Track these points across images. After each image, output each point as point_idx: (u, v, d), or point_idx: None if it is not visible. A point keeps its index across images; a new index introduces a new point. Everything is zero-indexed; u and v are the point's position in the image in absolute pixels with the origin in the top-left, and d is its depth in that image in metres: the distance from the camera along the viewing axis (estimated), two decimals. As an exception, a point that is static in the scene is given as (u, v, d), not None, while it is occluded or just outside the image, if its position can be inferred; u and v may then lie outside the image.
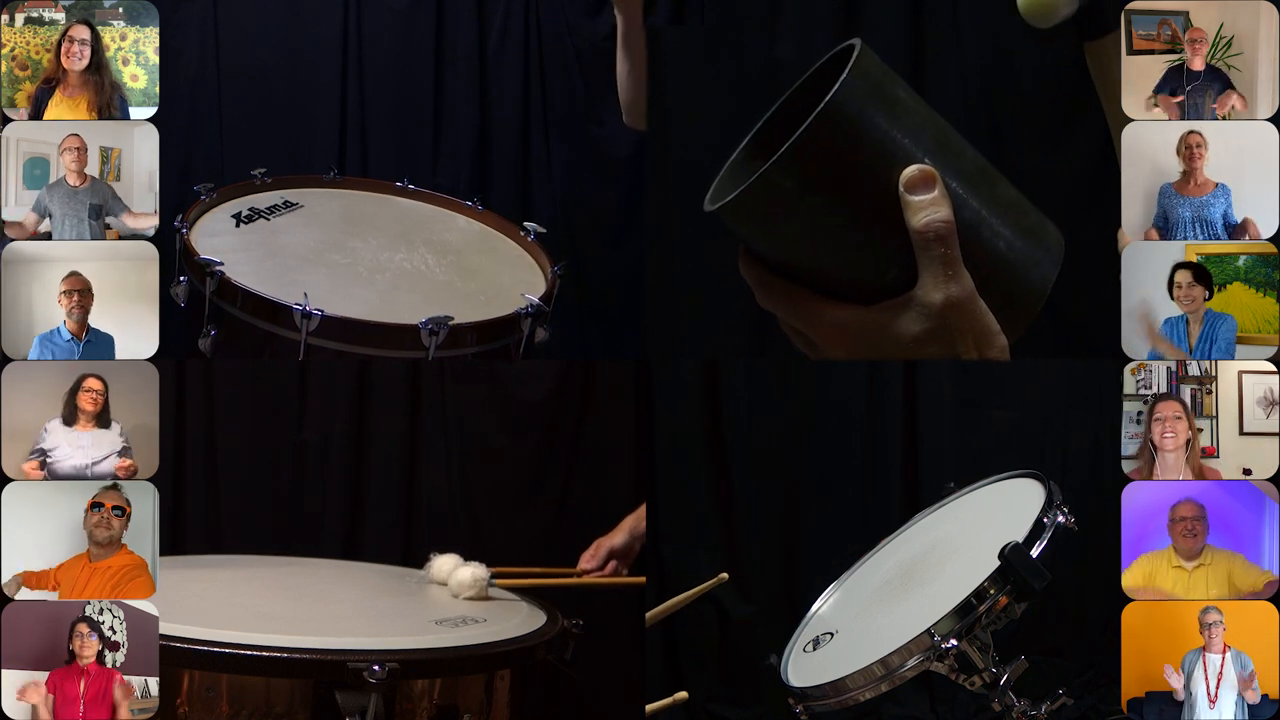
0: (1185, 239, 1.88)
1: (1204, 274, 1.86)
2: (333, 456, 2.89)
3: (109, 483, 1.88)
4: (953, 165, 0.97)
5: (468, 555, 2.87)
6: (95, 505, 1.86)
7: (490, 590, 2.15)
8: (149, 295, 1.97)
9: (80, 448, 1.91)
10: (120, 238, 2.00)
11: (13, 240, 1.97)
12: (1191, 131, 1.86)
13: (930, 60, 3.15)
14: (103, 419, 1.92)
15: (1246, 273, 1.88)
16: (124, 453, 1.92)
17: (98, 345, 1.94)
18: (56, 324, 1.94)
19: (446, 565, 2.22)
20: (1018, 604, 1.63)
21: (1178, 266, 1.87)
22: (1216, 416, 1.95)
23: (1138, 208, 1.88)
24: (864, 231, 0.95)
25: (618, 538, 2.42)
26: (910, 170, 0.93)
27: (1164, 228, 1.89)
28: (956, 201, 0.95)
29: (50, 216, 1.98)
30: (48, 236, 1.98)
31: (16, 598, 1.85)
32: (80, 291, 1.93)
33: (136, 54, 2.03)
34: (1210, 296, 1.87)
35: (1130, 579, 1.95)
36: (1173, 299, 1.86)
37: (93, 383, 1.91)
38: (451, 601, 2.10)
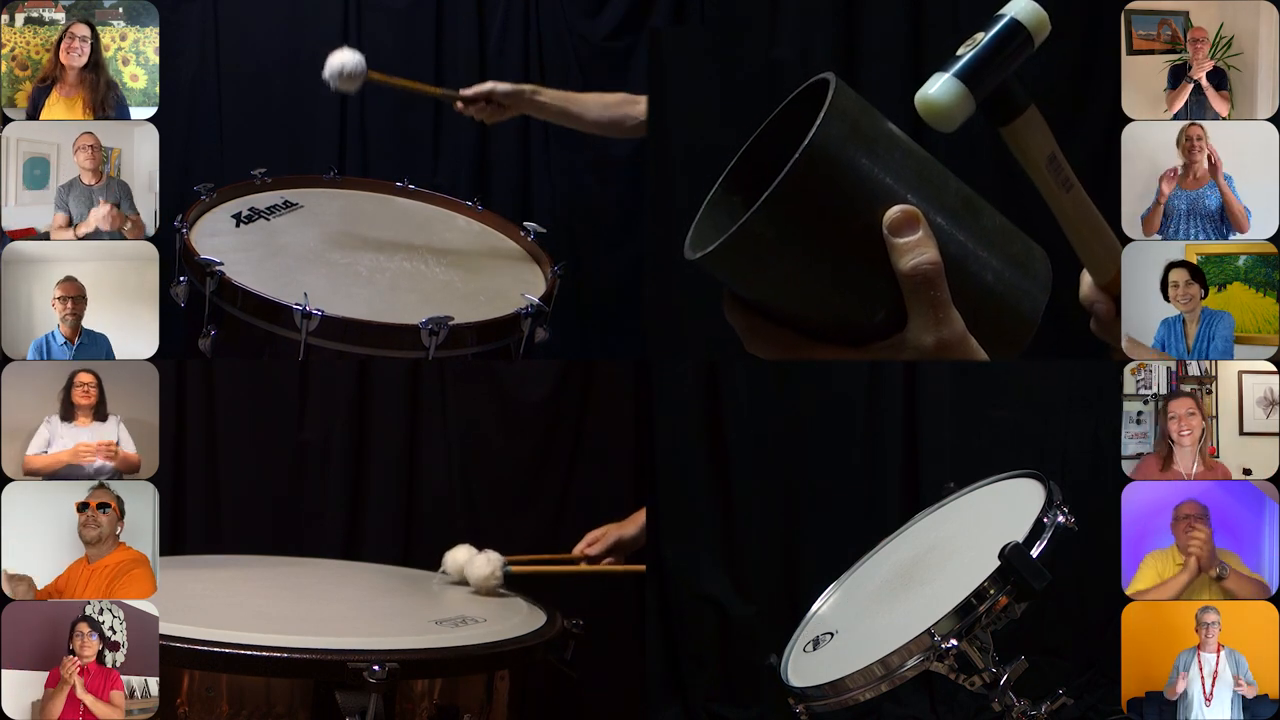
0: (1180, 232, 1.87)
1: (1199, 272, 1.85)
2: (333, 456, 2.89)
3: (96, 482, 1.88)
4: (936, 200, 0.94)
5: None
6: (81, 506, 1.86)
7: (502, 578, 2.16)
8: (149, 295, 1.97)
9: (80, 442, 1.91)
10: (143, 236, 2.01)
11: (24, 242, 1.97)
12: (1192, 124, 1.86)
13: (930, 61, 3.16)
14: (99, 412, 1.92)
15: (1246, 273, 1.87)
16: (119, 444, 1.92)
17: (91, 348, 1.93)
18: (52, 327, 1.94)
19: (460, 557, 2.21)
20: (1018, 604, 1.63)
21: (1172, 266, 1.86)
22: (1216, 416, 1.95)
23: (1136, 207, 1.88)
24: (849, 275, 0.92)
25: (629, 529, 2.40)
26: (893, 212, 0.90)
27: (1164, 219, 1.87)
28: (942, 237, 0.92)
29: (70, 215, 1.99)
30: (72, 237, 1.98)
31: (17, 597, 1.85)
32: (74, 298, 1.93)
33: (136, 54, 2.03)
34: (1206, 294, 1.86)
35: (1140, 582, 1.94)
36: (1167, 299, 1.85)
37: (84, 377, 1.91)
38: (451, 601, 2.10)
